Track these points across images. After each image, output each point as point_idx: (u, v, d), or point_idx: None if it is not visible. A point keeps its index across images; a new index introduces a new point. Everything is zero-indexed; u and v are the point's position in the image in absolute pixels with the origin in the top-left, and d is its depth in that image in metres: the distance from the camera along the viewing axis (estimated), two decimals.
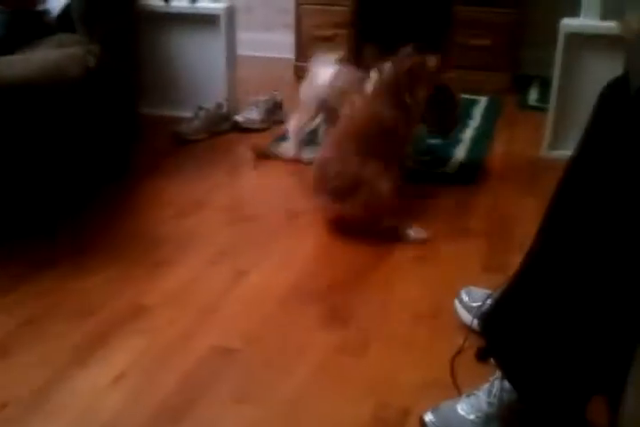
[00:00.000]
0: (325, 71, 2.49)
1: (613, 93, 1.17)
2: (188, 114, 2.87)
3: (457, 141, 2.72)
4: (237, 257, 1.90)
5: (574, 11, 2.59)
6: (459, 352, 1.47)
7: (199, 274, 1.81)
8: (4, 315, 1.62)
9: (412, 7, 4.03)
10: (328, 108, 2.46)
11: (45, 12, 2.37)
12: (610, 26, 2.41)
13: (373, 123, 2.05)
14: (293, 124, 2.59)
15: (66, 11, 2.32)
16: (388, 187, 1.97)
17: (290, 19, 4.10)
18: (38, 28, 2.33)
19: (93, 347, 1.51)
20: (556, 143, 2.61)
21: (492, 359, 1.35)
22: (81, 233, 2.03)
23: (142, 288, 1.74)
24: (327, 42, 3.77)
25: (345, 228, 2.03)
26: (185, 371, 1.44)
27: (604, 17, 2.52)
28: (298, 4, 3.81)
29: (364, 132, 2.04)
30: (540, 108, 3.02)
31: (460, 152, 2.67)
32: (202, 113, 2.85)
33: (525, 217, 2.13)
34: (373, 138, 2.03)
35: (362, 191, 1.96)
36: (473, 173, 2.51)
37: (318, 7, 3.77)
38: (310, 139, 2.61)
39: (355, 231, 2.06)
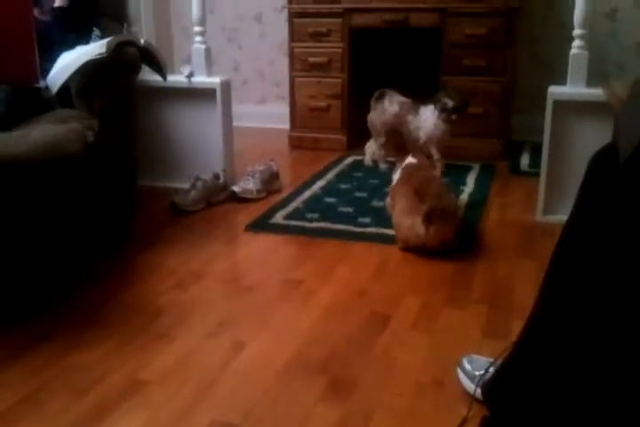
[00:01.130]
0: (393, 102, 3.37)
1: (603, 162, 1.20)
2: (185, 185, 2.91)
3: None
4: (237, 328, 1.89)
5: (561, 78, 2.67)
6: (463, 423, 1.45)
7: (198, 347, 1.80)
8: (2, 391, 1.59)
9: (402, 78, 4.15)
10: (393, 130, 3.40)
11: (44, 89, 2.43)
12: (595, 93, 2.48)
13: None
14: (371, 147, 3.50)
15: (64, 87, 2.38)
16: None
17: (284, 91, 4.22)
18: (37, 104, 2.39)
19: (92, 424, 1.47)
20: (550, 208, 2.64)
21: None
22: (79, 306, 2.02)
23: (141, 362, 1.72)
24: (321, 112, 3.87)
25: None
26: None
27: (590, 84, 2.60)
28: (292, 77, 3.92)
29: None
30: (533, 174, 3.07)
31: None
32: (199, 184, 2.89)
33: (523, 282, 2.14)
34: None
35: (455, 217, 2.42)
36: (469, 239, 2.52)
37: (311, 79, 3.88)
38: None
39: (355, 298, 2.06)
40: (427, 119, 3.28)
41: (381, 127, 3.40)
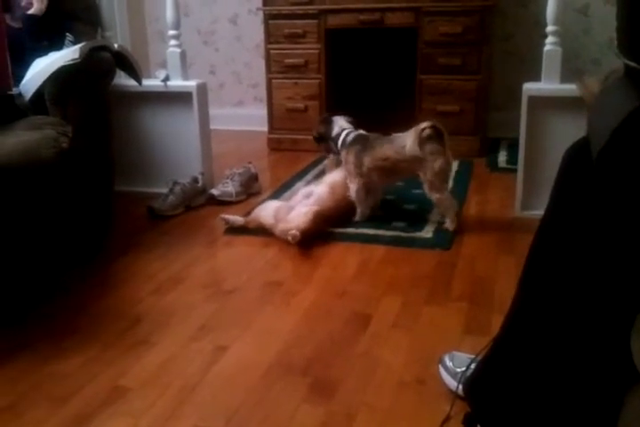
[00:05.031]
0: None
1: (576, 157, 1.20)
2: (163, 190, 2.89)
3: (431, 206, 2.74)
4: (217, 332, 1.88)
5: (536, 75, 2.68)
6: (446, 420, 1.45)
7: (179, 352, 1.78)
8: None
9: (379, 78, 4.17)
10: None
11: (18, 96, 2.40)
12: (569, 88, 2.50)
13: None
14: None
15: (38, 93, 2.36)
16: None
17: (261, 93, 4.21)
18: (11, 111, 2.36)
19: None
20: (528, 203, 2.66)
21: (479, 426, 1.33)
22: (58, 315, 2.00)
23: (121, 369, 1.70)
24: (299, 113, 3.86)
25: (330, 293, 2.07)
26: None
27: (565, 80, 2.62)
28: (269, 79, 3.91)
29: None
30: (510, 170, 3.08)
31: (435, 216, 2.70)
32: (177, 188, 2.87)
33: (503, 277, 2.14)
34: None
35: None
36: (449, 235, 2.53)
37: (288, 81, 3.87)
38: None
39: (336, 299, 2.06)
40: None
41: None
